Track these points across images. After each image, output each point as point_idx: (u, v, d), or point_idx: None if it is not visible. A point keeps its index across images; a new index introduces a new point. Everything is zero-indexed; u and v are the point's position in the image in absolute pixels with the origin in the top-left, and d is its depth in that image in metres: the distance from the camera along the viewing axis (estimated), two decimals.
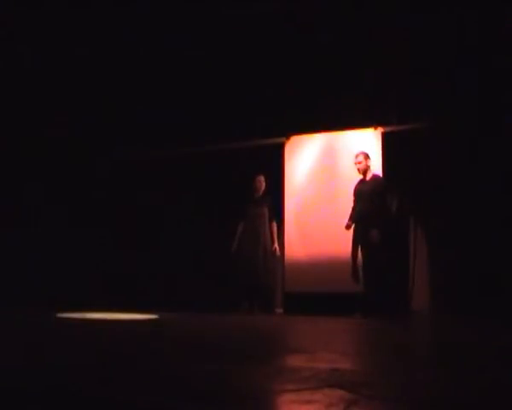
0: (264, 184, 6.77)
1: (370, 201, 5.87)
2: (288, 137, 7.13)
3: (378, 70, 6.64)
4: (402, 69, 6.54)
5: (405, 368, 2.34)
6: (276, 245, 6.67)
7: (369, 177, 6.07)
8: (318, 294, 6.47)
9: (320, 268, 6.56)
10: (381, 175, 6.21)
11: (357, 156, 6.11)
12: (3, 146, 7.63)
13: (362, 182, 6.11)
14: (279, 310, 6.95)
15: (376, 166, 6.46)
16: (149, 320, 5.31)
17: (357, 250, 5.96)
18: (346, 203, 6.18)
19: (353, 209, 6.09)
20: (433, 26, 6.36)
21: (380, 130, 6.65)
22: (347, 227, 6.03)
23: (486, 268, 5.92)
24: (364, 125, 6.73)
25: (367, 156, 6.07)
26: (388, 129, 6.64)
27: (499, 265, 5.88)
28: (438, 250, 6.44)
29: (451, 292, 6.13)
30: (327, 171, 6.84)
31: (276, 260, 6.85)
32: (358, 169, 6.08)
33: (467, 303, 5.91)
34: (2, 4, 7.00)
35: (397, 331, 4.59)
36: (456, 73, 6.27)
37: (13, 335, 3.71)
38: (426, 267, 6.51)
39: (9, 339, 3.38)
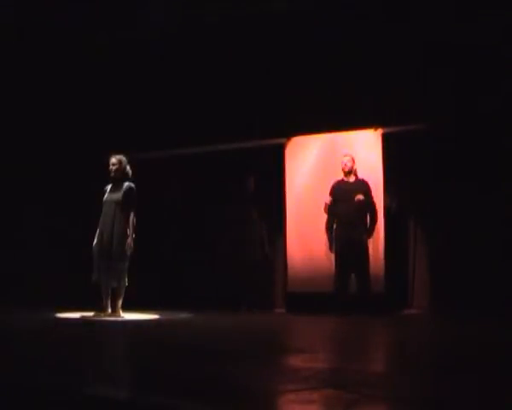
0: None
1: (354, 203, 5.89)
2: (288, 139, 7.13)
3: (378, 71, 6.64)
4: (402, 70, 6.54)
5: (405, 368, 2.36)
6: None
7: (352, 179, 6.14)
8: (320, 294, 6.48)
9: (321, 268, 6.57)
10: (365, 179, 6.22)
11: (346, 155, 6.21)
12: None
13: (342, 182, 6.14)
14: (280, 310, 6.96)
15: (376, 168, 6.48)
16: (150, 320, 5.32)
17: (345, 256, 5.91)
18: None
19: (329, 207, 6.08)
20: (433, 26, 6.37)
21: (379, 131, 6.66)
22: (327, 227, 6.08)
23: (486, 268, 5.92)
24: (364, 127, 6.74)
25: (354, 160, 6.18)
26: (388, 130, 6.64)
27: (499, 265, 5.88)
28: (438, 250, 6.45)
29: (451, 292, 6.14)
30: (327, 171, 6.84)
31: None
32: (345, 167, 6.11)
33: (467, 303, 5.91)
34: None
35: (396, 331, 4.60)
36: (456, 74, 6.27)
37: (12, 335, 3.73)
38: (426, 267, 6.52)
39: (8, 339, 3.39)
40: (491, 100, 6.09)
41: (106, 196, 5.63)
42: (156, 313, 5.85)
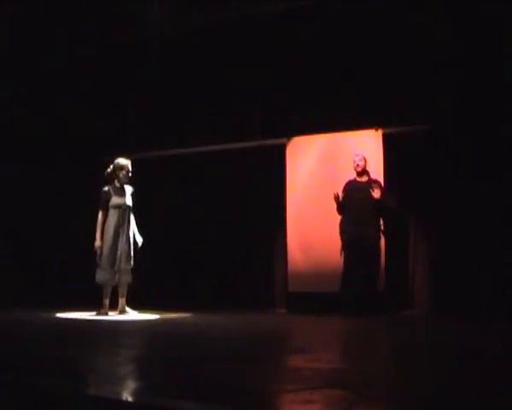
0: None
1: (368, 202, 5.84)
2: (289, 139, 7.14)
3: (379, 71, 6.65)
4: (403, 70, 6.54)
5: (405, 368, 2.36)
6: None
7: (365, 179, 6.09)
8: (320, 294, 6.48)
9: (321, 268, 6.57)
10: (378, 179, 6.19)
11: (357, 155, 6.16)
12: None
13: (355, 182, 6.09)
14: (280, 310, 6.96)
15: (377, 168, 6.48)
16: (149, 320, 5.32)
17: (354, 255, 5.87)
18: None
19: (342, 204, 5.97)
20: (433, 27, 6.37)
21: (380, 131, 6.66)
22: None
23: (487, 268, 5.92)
24: (365, 127, 6.74)
25: (366, 159, 6.14)
26: (389, 130, 6.64)
27: (499, 264, 5.88)
28: (438, 250, 6.45)
29: (451, 292, 6.14)
30: (328, 172, 6.85)
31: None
32: (357, 167, 6.06)
33: (467, 303, 5.91)
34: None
35: (396, 331, 4.60)
36: (456, 74, 6.28)
37: (11, 335, 3.73)
38: (426, 267, 6.52)
39: (8, 339, 3.40)
40: (491, 99, 6.09)
41: (115, 199, 5.68)
42: (156, 313, 5.86)
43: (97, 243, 5.59)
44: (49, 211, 7.71)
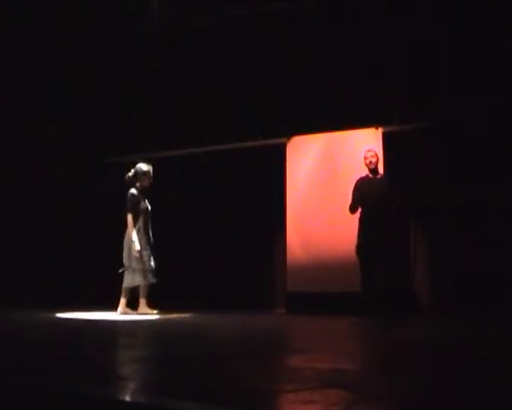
0: None
1: (382, 202, 5.72)
2: (289, 138, 7.14)
3: (379, 70, 6.65)
4: (403, 69, 6.55)
5: (405, 368, 2.36)
6: None
7: (378, 176, 5.96)
8: (320, 294, 6.48)
9: (322, 268, 6.57)
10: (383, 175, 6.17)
11: (369, 151, 5.97)
12: None
13: (368, 179, 5.93)
14: (280, 310, 6.96)
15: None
16: (150, 320, 5.32)
17: (370, 255, 5.77)
18: (347, 203, 6.10)
19: (354, 202, 5.85)
20: (433, 26, 6.38)
21: (380, 130, 6.66)
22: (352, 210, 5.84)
23: (487, 268, 5.92)
24: (365, 126, 6.74)
25: (377, 155, 5.99)
26: (389, 129, 6.64)
27: (500, 265, 5.88)
28: (438, 250, 6.45)
29: (451, 292, 6.14)
30: (328, 171, 6.85)
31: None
32: (370, 164, 5.87)
33: (467, 303, 5.92)
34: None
35: (397, 331, 4.60)
36: (457, 73, 6.28)
37: (11, 335, 3.73)
38: (426, 267, 6.52)
39: (8, 339, 3.39)
40: (491, 98, 6.10)
41: (143, 204, 5.85)
42: (156, 313, 5.85)
43: (138, 247, 5.66)
44: (49, 211, 7.71)
